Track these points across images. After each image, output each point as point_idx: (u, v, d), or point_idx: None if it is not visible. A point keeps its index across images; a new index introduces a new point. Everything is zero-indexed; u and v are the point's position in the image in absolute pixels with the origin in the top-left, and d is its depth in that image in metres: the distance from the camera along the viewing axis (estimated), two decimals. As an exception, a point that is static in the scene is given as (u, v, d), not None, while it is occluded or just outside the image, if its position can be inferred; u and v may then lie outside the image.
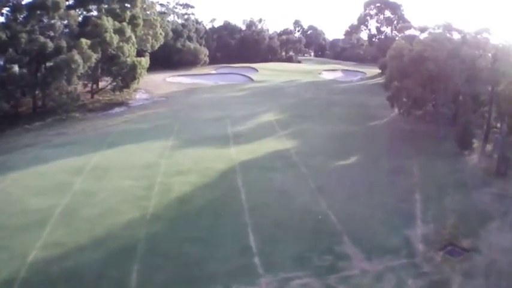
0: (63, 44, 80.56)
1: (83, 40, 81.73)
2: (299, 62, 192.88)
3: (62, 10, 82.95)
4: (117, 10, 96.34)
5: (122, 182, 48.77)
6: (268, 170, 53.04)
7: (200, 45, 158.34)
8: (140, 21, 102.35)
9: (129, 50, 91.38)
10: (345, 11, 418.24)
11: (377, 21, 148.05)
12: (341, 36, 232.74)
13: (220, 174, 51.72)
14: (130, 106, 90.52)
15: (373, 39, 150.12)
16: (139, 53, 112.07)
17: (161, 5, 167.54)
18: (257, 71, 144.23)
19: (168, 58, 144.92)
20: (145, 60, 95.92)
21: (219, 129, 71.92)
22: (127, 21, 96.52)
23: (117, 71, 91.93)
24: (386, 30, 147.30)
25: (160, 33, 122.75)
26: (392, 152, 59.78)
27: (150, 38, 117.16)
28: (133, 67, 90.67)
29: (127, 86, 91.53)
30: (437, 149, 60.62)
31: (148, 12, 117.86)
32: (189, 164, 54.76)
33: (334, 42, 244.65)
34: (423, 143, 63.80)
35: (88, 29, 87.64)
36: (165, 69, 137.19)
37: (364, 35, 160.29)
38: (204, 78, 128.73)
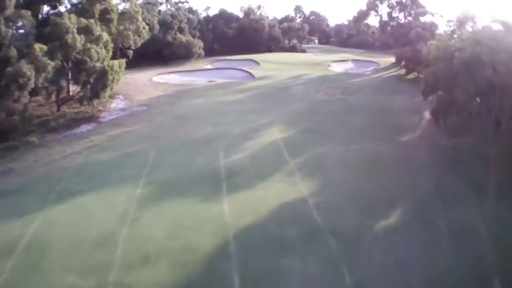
0: (13, 52, 59.68)
1: (37, 46, 62.26)
2: (304, 51, 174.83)
3: (9, 10, 61.70)
4: (84, 4, 75.18)
5: (61, 277, 30.50)
6: (279, 250, 33.94)
7: (194, 37, 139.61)
8: (114, 16, 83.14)
9: (99, 53, 71.31)
10: None
11: (388, 6, 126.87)
12: (345, 21, 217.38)
13: (206, 262, 32.55)
14: (100, 122, 70.36)
15: (387, 26, 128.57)
16: (121, 52, 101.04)
17: None
18: (258, 64, 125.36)
19: (157, 53, 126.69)
20: (119, 63, 75.50)
21: (208, 159, 53.02)
22: (96, 17, 75.94)
23: (84, 78, 71.04)
24: (399, 16, 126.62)
25: (144, 27, 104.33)
26: (444, 193, 44.10)
27: (131, 33, 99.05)
28: (103, 73, 70.97)
29: (96, 96, 71.44)
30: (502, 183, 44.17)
31: (127, 4, 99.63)
32: (161, 238, 35.45)
33: (339, 28, 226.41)
34: (477, 170, 48.50)
35: (47, 30, 67.72)
36: (155, 65, 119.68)
37: (372, 21, 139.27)
38: (197, 75, 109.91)
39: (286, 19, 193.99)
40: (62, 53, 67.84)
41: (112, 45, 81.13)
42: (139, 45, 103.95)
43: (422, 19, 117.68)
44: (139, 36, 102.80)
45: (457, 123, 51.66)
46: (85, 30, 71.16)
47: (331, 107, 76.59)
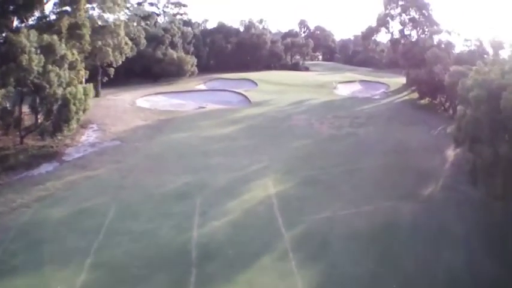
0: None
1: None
2: (307, 68, 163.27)
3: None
4: (50, 18, 62.65)
5: None
6: None
7: (188, 52, 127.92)
8: (86, 31, 70.38)
9: (61, 77, 58.60)
10: (353, 7, 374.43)
11: (400, 23, 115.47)
12: (350, 36, 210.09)
13: None
14: (64, 161, 57.41)
15: (398, 45, 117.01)
16: (103, 70, 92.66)
17: (151, 4, 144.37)
18: (256, 85, 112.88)
19: (147, 70, 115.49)
20: (85, 89, 62.29)
21: (178, 227, 40.63)
22: (64, 32, 63.61)
23: (45, 107, 58.66)
24: (412, 33, 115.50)
25: (126, 43, 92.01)
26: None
27: (110, 50, 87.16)
28: (64, 103, 56.52)
29: (59, 130, 58.44)
30: None
31: (109, 17, 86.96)
32: None
33: (345, 44, 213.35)
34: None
35: (3, 50, 55.44)
36: (144, 83, 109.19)
37: (380, 38, 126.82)
38: (187, 98, 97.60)
39: (290, 34, 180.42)
40: (15, 76, 55.14)
41: (83, 65, 70.21)
42: (120, 62, 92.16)
43: (436, 37, 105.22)
44: (120, 52, 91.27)
45: (502, 187, 37.88)
46: (46, 50, 57.89)
47: (339, 146, 64.28)
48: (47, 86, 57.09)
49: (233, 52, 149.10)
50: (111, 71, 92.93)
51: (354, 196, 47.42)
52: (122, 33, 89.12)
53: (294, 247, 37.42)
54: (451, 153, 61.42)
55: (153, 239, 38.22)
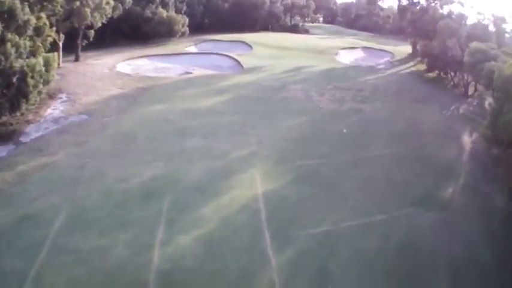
0: None
1: None
2: (307, 31, 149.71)
3: None
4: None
5: None
6: None
7: (180, 11, 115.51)
8: None
9: (20, 46, 48.68)
10: None
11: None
12: (352, 0, 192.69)
13: None
14: (20, 143, 46.97)
15: (406, 12, 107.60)
16: (75, 33, 78.58)
17: None
18: (251, 48, 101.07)
19: (135, 30, 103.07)
20: (46, 60, 51.89)
21: (136, 244, 30.85)
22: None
23: (2, 82, 48.01)
24: (421, 0, 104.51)
25: (108, 2, 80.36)
26: None
27: (88, 10, 75.27)
28: (21, 77, 46.39)
29: (17, 107, 49.12)
30: None
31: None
32: None
33: (347, 7, 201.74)
34: None
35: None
36: (132, 45, 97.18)
37: (387, 3, 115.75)
38: (174, 61, 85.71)
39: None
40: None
41: (53, 29, 61.43)
42: (99, 24, 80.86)
43: (447, 8, 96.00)
44: (99, 13, 79.60)
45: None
46: (7, 16, 47.98)
47: (341, 126, 54.00)
48: (2, 58, 46.22)
49: (230, 11, 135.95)
50: (91, 33, 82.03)
51: (360, 199, 37.86)
52: None
53: (283, 280, 27.48)
54: (467, 140, 53.47)
55: (103, 262, 28.67)
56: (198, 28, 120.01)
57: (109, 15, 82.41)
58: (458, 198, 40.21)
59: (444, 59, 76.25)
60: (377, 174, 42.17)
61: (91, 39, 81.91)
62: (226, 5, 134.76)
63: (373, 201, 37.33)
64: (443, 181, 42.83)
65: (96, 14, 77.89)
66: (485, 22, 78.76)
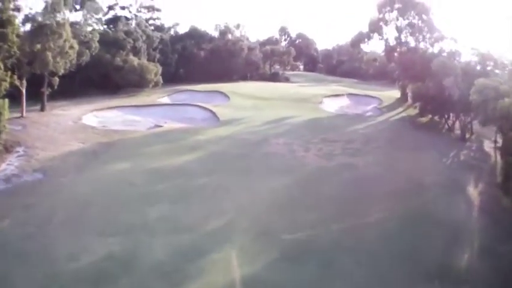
0: None
1: None
2: (287, 79, 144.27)
3: None
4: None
5: None
6: None
7: (153, 59, 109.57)
8: (11, 30, 57.19)
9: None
10: (337, 16, 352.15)
11: (396, 29, 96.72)
12: (333, 46, 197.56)
13: None
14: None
15: (393, 53, 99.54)
16: (41, 80, 72.58)
17: (122, 7, 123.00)
18: (228, 98, 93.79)
19: (105, 79, 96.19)
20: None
21: None
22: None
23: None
24: (409, 40, 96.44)
25: (72, 47, 73.10)
26: None
27: (49, 55, 68.46)
28: None
29: None
30: None
31: (53, 15, 70.18)
32: None
33: (328, 54, 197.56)
34: None
35: None
36: (102, 95, 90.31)
37: (370, 47, 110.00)
38: (144, 114, 78.42)
39: (270, 41, 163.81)
40: None
41: (9, 74, 57.31)
42: (62, 71, 73.34)
43: (437, 46, 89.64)
44: (62, 58, 72.44)
45: None
46: None
47: (332, 187, 46.76)
48: None
49: (206, 60, 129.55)
50: (56, 80, 75.09)
51: (362, 279, 31.02)
52: (65, 35, 71.03)
53: None
54: (474, 191, 47.94)
55: None
56: (172, 78, 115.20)
57: (74, 61, 75.95)
58: (477, 266, 33.93)
59: (440, 100, 70.77)
60: (379, 244, 35.08)
61: (55, 87, 75.31)
62: (202, 53, 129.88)
63: (378, 280, 29.70)
64: (456, 245, 36.61)
65: (59, 60, 71.30)
66: (477, 59, 71.54)
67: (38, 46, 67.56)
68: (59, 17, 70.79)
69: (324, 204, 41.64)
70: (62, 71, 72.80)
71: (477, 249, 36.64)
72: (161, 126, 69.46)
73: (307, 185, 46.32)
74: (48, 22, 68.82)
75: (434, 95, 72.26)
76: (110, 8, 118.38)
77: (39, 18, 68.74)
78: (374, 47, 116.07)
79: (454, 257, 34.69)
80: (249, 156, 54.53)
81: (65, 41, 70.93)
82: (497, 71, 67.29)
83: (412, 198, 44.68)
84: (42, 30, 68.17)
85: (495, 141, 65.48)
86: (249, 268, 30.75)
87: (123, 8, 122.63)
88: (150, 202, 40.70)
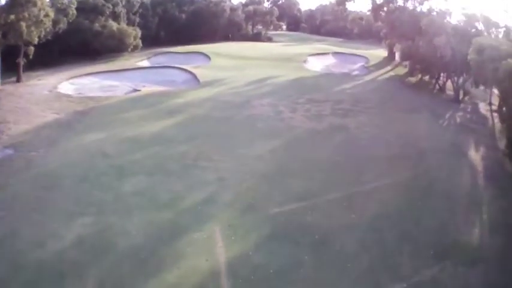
0: None
1: None
2: (270, 39, 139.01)
3: None
4: None
5: None
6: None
7: (133, 24, 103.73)
8: None
9: None
10: None
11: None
12: (314, 7, 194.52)
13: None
14: None
15: (379, 11, 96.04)
16: (16, 51, 67.73)
17: None
18: (209, 59, 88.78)
19: (84, 46, 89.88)
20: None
21: None
22: None
23: None
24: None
25: (47, 15, 68.29)
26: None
27: (23, 24, 64.17)
28: None
29: None
30: None
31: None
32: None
33: (311, 14, 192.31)
34: None
35: None
36: (81, 62, 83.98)
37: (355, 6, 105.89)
38: (122, 78, 73.07)
39: (252, 2, 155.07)
40: None
41: None
42: (36, 40, 68.40)
43: (426, 4, 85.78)
44: (36, 27, 67.48)
45: None
46: None
47: (323, 153, 42.28)
48: None
49: (187, 22, 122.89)
50: (31, 50, 70.22)
51: (365, 263, 26.86)
52: (40, 2, 65.93)
53: None
54: (476, 156, 44.25)
55: None
56: (153, 41, 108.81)
57: (49, 30, 71.35)
58: (489, 242, 29.71)
59: (431, 60, 67.15)
60: (380, 219, 30.91)
61: (31, 57, 70.52)
62: (183, 15, 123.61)
63: (382, 263, 25.73)
64: (464, 218, 32.45)
65: (33, 29, 66.40)
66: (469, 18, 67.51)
67: (12, 17, 62.93)
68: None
69: (316, 171, 37.38)
70: (36, 40, 68.04)
71: (487, 223, 32.63)
72: (139, 90, 64.78)
73: (296, 149, 42.04)
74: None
75: (424, 55, 68.76)
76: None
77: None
78: (359, 6, 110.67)
79: (463, 232, 30.65)
80: (232, 120, 50.09)
81: (39, 9, 66.08)
82: (490, 32, 64.64)
83: (412, 165, 40.58)
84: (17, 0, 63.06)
85: (490, 104, 62.96)
86: (235, 249, 26.57)
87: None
88: (124, 175, 36.27)
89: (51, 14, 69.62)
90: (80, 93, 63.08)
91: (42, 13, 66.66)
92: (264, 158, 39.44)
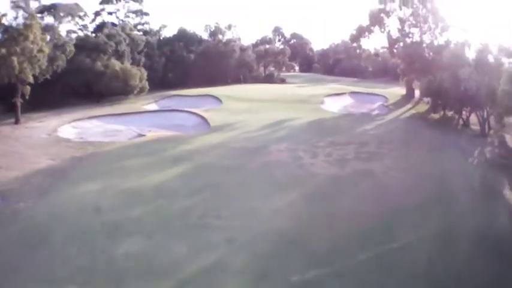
0: None
1: None
2: (283, 80, 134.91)
3: None
4: None
5: None
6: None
7: (137, 63, 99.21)
8: None
9: None
10: (331, 14, 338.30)
11: (399, 19, 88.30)
12: (329, 45, 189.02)
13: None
14: None
15: (395, 45, 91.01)
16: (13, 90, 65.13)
17: (109, 13, 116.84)
18: (220, 102, 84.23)
19: (87, 87, 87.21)
20: None
21: None
22: None
23: None
24: (413, 31, 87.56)
25: (41, 50, 64.93)
26: None
27: (14, 59, 61.06)
28: None
29: None
30: None
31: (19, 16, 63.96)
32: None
33: (324, 53, 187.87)
34: None
35: None
36: (84, 104, 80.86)
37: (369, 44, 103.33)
38: (127, 122, 68.99)
39: (263, 41, 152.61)
40: None
41: None
42: (30, 78, 64.85)
43: (441, 37, 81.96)
44: (31, 63, 64.20)
45: None
46: None
47: (349, 203, 36.96)
48: None
49: (196, 63, 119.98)
50: (27, 89, 66.69)
51: None
52: (32, 37, 62.93)
53: None
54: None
55: None
56: (160, 83, 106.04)
57: (44, 67, 67.72)
58: None
59: (456, 94, 62.61)
60: (422, 279, 26.14)
61: (27, 96, 66.96)
62: (192, 55, 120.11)
63: None
64: None
65: (26, 65, 62.86)
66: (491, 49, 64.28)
67: (3, 51, 60.11)
68: (25, 17, 63.83)
69: (341, 227, 31.98)
70: (31, 78, 64.44)
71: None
72: (143, 135, 59.99)
73: (318, 201, 36.60)
74: (13, 24, 62.65)
75: (448, 89, 64.12)
76: (97, 14, 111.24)
77: (5, 22, 62.66)
78: (373, 43, 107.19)
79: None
80: (245, 168, 44.69)
81: (32, 43, 62.69)
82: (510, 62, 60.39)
83: (446, 212, 35.51)
84: (7, 33, 61.88)
85: (518, 135, 58.40)
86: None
87: (110, 13, 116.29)
88: (119, 234, 31.11)
89: (46, 50, 66.24)
90: (81, 138, 59.02)
91: (36, 48, 63.26)
92: (282, 213, 34.01)
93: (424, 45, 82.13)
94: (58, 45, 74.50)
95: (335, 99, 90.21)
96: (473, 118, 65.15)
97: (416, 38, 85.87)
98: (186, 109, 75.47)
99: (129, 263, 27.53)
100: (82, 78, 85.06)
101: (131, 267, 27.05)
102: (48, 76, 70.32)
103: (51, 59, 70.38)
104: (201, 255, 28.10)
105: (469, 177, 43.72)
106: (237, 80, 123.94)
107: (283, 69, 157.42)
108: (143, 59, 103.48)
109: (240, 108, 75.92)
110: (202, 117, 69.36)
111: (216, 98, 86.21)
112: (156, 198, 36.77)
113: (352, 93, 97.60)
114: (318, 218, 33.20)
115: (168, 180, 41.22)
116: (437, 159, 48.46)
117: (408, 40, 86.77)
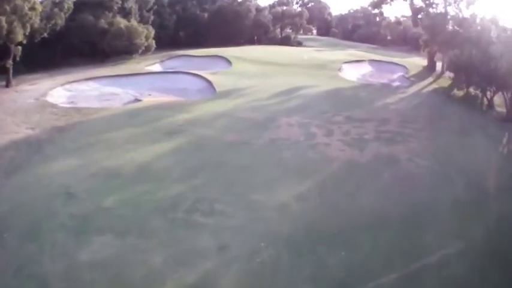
0: None
1: None
2: (300, 43, 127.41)
3: None
4: None
5: None
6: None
7: (146, 21, 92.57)
8: None
9: None
10: None
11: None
12: (344, 12, 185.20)
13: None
14: None
15: (417, 15, 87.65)
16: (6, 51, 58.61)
17: None
18: (230, 63, 77.39)
19: (91, 46, 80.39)
20: None
21: None
22: None
23: None
24: (437, 2, 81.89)
25: (33, 7, 58.45)
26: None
27: (2, 19, 54.50)
28: None
29: None
30: None
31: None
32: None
33: (343, 18, 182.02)
34: None
35: None
36: (86, 65, 74.19)
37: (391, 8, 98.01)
38: (127, 84, 62.38)
39: (280, 3, 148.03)
40: None
41: None
42: (21, 38, 58.62)
43: (467, 10, 74.16)
44: (22, 22, 57.91)
45: None
46: None
47: (368, 198, 30.47)
48: None
49: (209, 22, 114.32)
50: (18, 50, 60.24)
51: None
52: None
53: None
54: None
55: None
56: (171, 42, 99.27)
57: (38, 26, 61.90)
58: None
59: (485, 71, 56.59)
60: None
61: (17, 58, 60.69)
62: (205, 14, 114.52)
63: None
64: None
65: (16, 24, 56.48)
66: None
67: None
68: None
69: (360, 231, 25.83)
70: (20, 38, 58.26)
71: None
72: (140, 100, 53.82)
73: (333, 195, 30.21)
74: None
75: (478, 66, 58.00)
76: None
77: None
78: (393, 11, 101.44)
79: None
80: (249, 146, 38.42)
81: (23, 1, 56.26)
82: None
83: (484, 215, 28.94)
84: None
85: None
86: None
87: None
88: (86, 232, 25.18)
89: (39, 7, 59.83)
90: (71, 102, 53.25)
91: (27, 5, 56.69)
92: (289, 210, 27.67)
93: (449, 16, 76.33)
94: (56, 2, 68.54)
95: (354, 66, 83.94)
96: (496, 99, 59.46)
97: (441, 9, 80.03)
98: (191, 71, 69.06)
99: (92, 274, 21.75)
100: (85, 37, 78.89)
101: (95, 281, 20.84)
102: (45, 35, 65.10)
103: (48, 17, 64.83)
104: (182, 268, 21.85)
105: (502, 170, 37.21)
106: (252, 41, 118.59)
107: (301, 31, 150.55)
108: (152, 17, 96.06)
109: (250, 72, 69.72)
110: (208, 81, 63.20)
111: (226, 60, 79.73)
112: (137, 183, 30.55)
113: (372, 61, 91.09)
114: (332, 219, 26.92)
115: (156, 159, 35.02)
116: (466, 146, 42.09)
117: (431, 10, 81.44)
